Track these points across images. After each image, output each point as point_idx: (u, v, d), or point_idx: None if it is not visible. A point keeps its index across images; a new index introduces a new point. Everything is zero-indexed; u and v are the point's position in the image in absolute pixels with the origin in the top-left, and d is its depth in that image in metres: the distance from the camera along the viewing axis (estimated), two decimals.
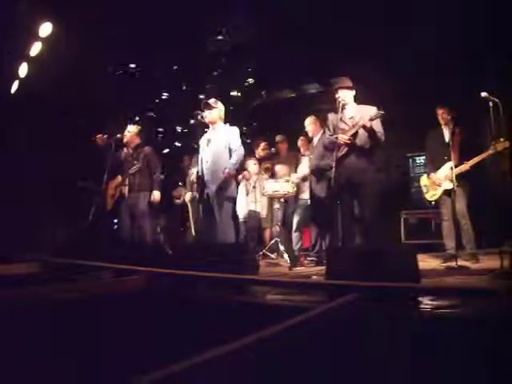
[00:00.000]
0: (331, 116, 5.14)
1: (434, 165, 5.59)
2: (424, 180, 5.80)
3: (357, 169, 4.85)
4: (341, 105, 5.00)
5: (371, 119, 4.75)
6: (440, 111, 5.55)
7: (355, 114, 4.97)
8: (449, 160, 5.28)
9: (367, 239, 4.87)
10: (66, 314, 2.21)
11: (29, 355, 1.76)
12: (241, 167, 6.68)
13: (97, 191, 6.37)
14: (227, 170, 5.08)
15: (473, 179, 5.37)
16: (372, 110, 4.87)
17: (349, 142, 4.83)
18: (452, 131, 5.37)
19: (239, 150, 5.25)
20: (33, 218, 7.10)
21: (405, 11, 6.26)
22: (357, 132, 4.86)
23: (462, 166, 5.24)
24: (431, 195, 5.63)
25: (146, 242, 6.01)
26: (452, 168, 5.19)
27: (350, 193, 4.90)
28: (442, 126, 5.56)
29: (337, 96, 5.06)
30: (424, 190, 5.78)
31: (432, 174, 5.59)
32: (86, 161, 7.20)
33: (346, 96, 5.04)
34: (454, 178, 5.08)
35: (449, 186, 5.32)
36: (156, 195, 6.15)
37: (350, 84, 5.08)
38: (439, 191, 5.50)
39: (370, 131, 4.81)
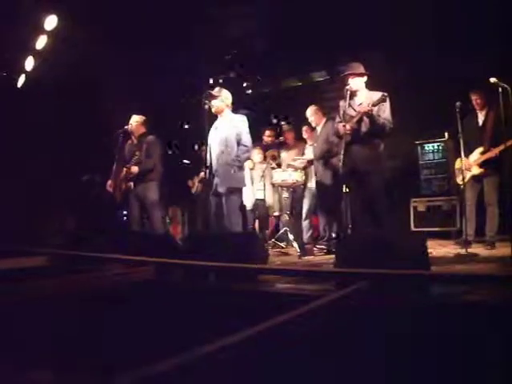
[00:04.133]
0: (342, 103, 5.04)
1: (468, 149, 5.40)
2: (457, 164, 5.69)
3: (362, 157, 4.76)
4: (348, 92, 4.91)
5: (374, 105, 4.64)
6: (473, 96, 5.49)
7: (364, 100, 4.85)
8: (480, 145, 5.26)
9: (375, 227, 4.84)
10: (77, 306, 2.22)
11: (36, 346, 1.78)
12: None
13: (105, 184, 6.38)
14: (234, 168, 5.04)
15: (505, 166, 5.26)
16: (380, 95, 4.73)
17: (349, 131, 4.77)
18: (486, 115, 5.39)
19: (247, 143, 5.14)
20: (42, 212, 7.14)
21: None
22: (362, 119, 4.75)
23: (491, 151, 5.22)
24: (461, 179, 5.48)
25: (156, 232, 6.01)
26: (482, 153, 5.18)
27: (356, 180, 4.83)
28: (477, 111, 5.51)
29: (348, 82, 4.92)
30: (456, 173, 5.74)
31: (464, 159, 5.40)
32: (94, 154, 7.22)
33: (357, 83, 4.92)
34: (481, 164, 5.15)
35: (477, 171, 5.31)
36: (132, 168, 6.06)
37: (361, 70, 4.95)
38: (468, 176, 5.40)
39: (372, 117, 4.67)
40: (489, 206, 5.30)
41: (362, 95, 4.94)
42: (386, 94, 4.66)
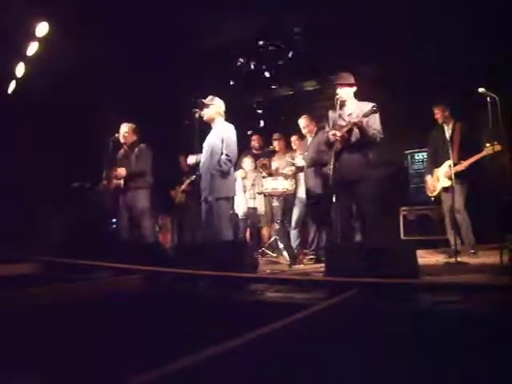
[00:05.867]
0: (331, 113, 5.09)
1: (436, 162, 5.69)
2: (427, 177, 5.92)
3: (352, 166, 4.80)
4: (339, 102, 4.96)
5: (364, 115, 4.71)
6: (436, 110, 5.64)
7: (354, 110, 4.92)
8: (448, 158, 5.33)
9: (364, 236, 4.88)
10: (66, 314, 2.21)
11: (28, 355, 1.76)
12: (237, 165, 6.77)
13: (94, 191, 6.36)
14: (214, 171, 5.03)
15: (472, 176, 5.45)
16: (370, 107, 4.76)
17: (340, 138, 4.81)
18: (452, 129, 5.49)
19: (230, 154, 5.07)
20: (32, 219, 7.09)
21: (404, 8, 6.27)
22: (352, 129, 4.80)
23: (458, 165, 5.35)
24: (431, 191, 5.79)
25: (146, 240, 5.99)
26: (450, 166, 5.25)
27: (346, 189, 4.86)
28: (443, 124, 5.57)
29: (337, 92, 5.00)
30: (426, 186, 5.93)
31: (434, 171, 5.69)
32: (84, 161, 7.19)
33: (345, 93, 4.99)
34: (452, 176, 5.19)
35: (446, 183, 5.46)
36: (119, 170, 6.12)
37: (350, 81, 5.03)
38: (438, 188, 5.65)
39: (362, 129, 4.74)
40: (457, 213, 5.42)
41: (351, 105, 5.01)
42: (375, 105, 4.71)
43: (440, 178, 5.58)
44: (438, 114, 5.62)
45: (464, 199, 5.44)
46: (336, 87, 5.05)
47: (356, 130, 4.80)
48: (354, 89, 5.05)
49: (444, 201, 5.62)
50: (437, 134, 5.67)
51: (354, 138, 4.84)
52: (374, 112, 4.70)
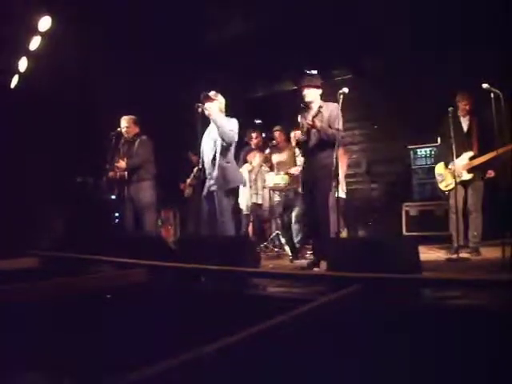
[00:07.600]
0: (299, 118, 5.26)
1: (452, 155, 5.23)
2: (440, 169, 5.61)
3: (313, 166, 4.95)
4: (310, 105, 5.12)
5: (313, 116, 4.87)
6: (462, 102, 5.39)
7: (317, 112, 5.05)
8: (467, 150, 5.23)
9: (318, 234, 4.95)
10: (67, 309, 2.22)
11: (28, 350, 1.77)
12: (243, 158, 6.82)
13: (97, 185, 6.36)
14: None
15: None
16: (333, 107, 4.91)
17: (297, 139, 5.09)
18: (470, 121, 5.34)
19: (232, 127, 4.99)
20: (33, 213, 7.10)
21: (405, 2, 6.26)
22: (309, 130, 4.95)
23: (480, 158, 5.14)
24: (446, 185, 5.49)
25: (149, 234, 5.99)
26: (471, 159, 5.15)
27: (309, 188, 5.03)
28: (460, 116, 5.41)
29: (303, 94, 5.14)
30: (439, 179, 5.61)
31: (449, 164, 5.37)
32: (87, 156, 7.20)
33: (311, 94, 5.11)
34: (472, 170, 5.14)
35: (466, 176, 5.25)
36: (120, 163, 6.10)
37: (316, 83, 5.16)
38: (455, 181, 5.22)
39: (318, 130, 4.86)
40: (473, 212, 5.26)
41: (316, 107, 5.09)
42: (321, 106, 4.96)
43: (457, 172, 5.19)
44: (465, 105, 5.36)
45: (481, 198, 5.24)
46: (302, 89, 5.16)
47: (315, 132, 4.91)
48: (320, 91, 5.15)
49: (457, 195, 5.18)
50: (453, 125, 5.12)
51: (313, 140, 4.96)
52: (317, 115, 4.89)
